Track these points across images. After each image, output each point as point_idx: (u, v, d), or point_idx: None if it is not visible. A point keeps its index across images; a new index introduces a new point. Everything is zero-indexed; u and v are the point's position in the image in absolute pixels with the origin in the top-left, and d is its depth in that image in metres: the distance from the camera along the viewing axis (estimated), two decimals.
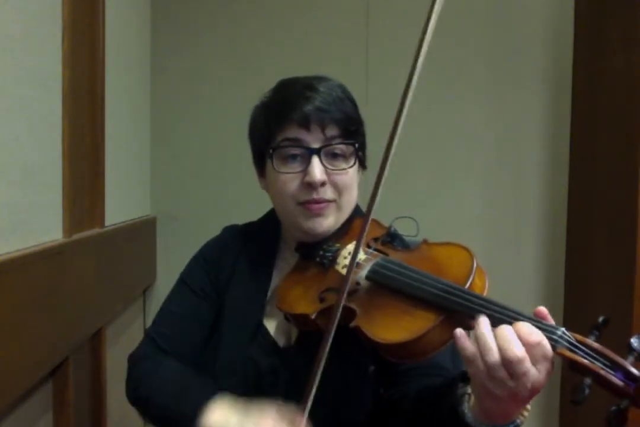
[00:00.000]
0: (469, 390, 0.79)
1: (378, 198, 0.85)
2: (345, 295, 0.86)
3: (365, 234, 0.88)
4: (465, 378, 0.80)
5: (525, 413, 0.78)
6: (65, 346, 1.30)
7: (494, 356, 0.71)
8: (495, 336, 0.72)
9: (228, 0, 2.20)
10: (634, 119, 1.79)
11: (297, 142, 0.98)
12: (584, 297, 2.11)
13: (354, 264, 0.88)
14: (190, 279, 1.12)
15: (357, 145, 1.01)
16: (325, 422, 0.95)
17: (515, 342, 0.70)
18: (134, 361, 1.09)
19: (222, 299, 1.08)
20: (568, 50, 2.19)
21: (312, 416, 0.95)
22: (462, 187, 2.21)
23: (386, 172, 0.85)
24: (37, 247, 1.13)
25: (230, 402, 0.92)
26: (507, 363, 0.70)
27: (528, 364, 0.70)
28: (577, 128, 2.19)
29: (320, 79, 1.03)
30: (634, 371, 0.66)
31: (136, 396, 1.04)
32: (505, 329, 0.72)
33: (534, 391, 0.71)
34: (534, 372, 0.70)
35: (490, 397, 0.73)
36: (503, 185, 2.23)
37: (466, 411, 0.78)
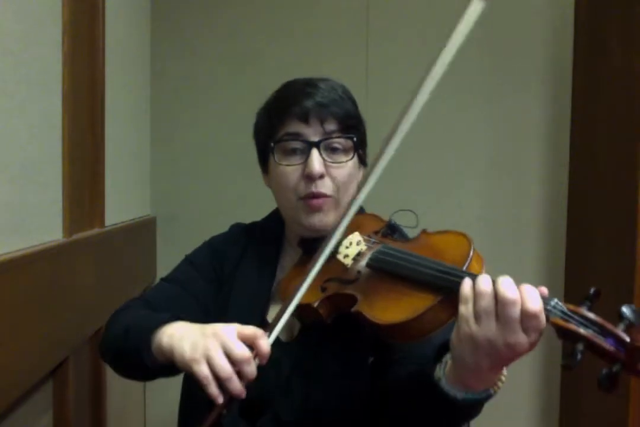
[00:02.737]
0: (447, 357, 0.81)
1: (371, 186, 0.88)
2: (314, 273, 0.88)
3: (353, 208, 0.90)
4: (445, 347, 0.82)
5: (500, 384, 0.80)
6: (65, 346, 1.30)
7: (489, 293, 0.74)
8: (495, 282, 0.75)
9: (227, 2, 2.19)
10: (633, 119, 1.79)
11: (297, 136, 1.01)
12: (584, 297, 2.10)
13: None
14: (194, 259, 1.15)
15: (355, 139, 1.03)
16: (323, 410, 0.97)
17: (513, 287, 0.73)
18: (115, 312, 1.09)
19: (224, 293, 1.09)
20: (568, 50, 2.19)
21: (309, 404, 0.97)
22: (462, 187, 2.21)
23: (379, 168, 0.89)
24: (37, 247, 1.13)
25: (187, 323, 0.90)
26: (500, 300, 0.72)
27: (519, 307, 0.72)
28: (577, 128, 2.18)
29: (323, 79, 1.07)
30: (624, 336, 0.69)
31: (105, 334, 1.05)
32: (505, 278, 0.75)
33: (513, 354, 0.74)
34: (521, 335, 0.72)
35: (470, 354, 0.75)
36: (503, 185, 2.23)
37: (441, 376, 0.80)
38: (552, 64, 2.20)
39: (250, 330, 0.81)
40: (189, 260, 1.15)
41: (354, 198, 0.89)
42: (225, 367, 0.77)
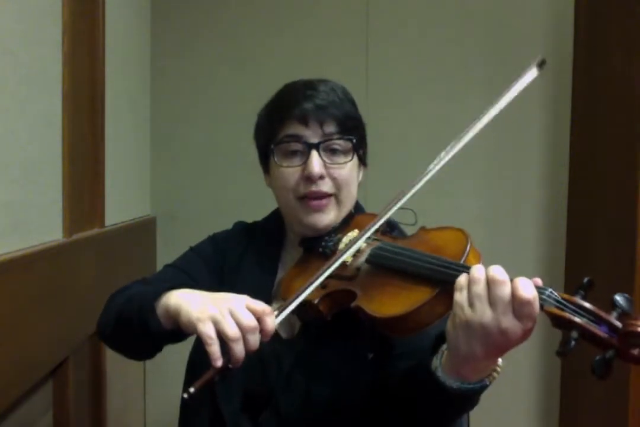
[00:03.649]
0: (444, 348, 0.82)
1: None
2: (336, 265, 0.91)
3: (376, 225, 0.94)
4: (441, 338, 0.83)
5: (495, 375, 0.81)
6: (65, 346, 1.30)
7: (482, 279, 0.76)
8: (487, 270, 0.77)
9: (228, 2, 2.19)
10: (633, 119, 1.79)
11: (296, 138, 1.02)
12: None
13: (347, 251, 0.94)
14: (198, 249, 1.16)
15: (354, 141, 1.04)
16: (324, 406, 0.98)
17: (503, 271, 0.76)
18: (115, 291, 1.09)
19: (225, 290, 1.10)
20: (568, 50, 2.19)
21: (310, 400, 0.98)
22: (462, 187, 2.21)
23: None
24: (37, 247, 1.13)
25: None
26: (491, 282, 0.75)
27: (508, 289, 0.74)
28: (577, 128, 2.18)
29: (322, 80, 1.07)
30: (617, 323, 0.70)
31: (105, 309, 1.05)
32: (496, 265, 0.77)
33: (507, 342, 0.74)
34: (515, 322, 0.73)
35: (464, 342, 0.76)
36: (503, 185, 2.23)
37: (438, 365, 0.81)
38: (552, 64, 2.20)
39: (260, 305, 0.82)
40: (193, 250, 1.16)
41: (379, 217, 0.93)
42: (233, 328, 0.78)
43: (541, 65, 1.01)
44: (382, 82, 2.19)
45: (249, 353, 0.79)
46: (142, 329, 0.89)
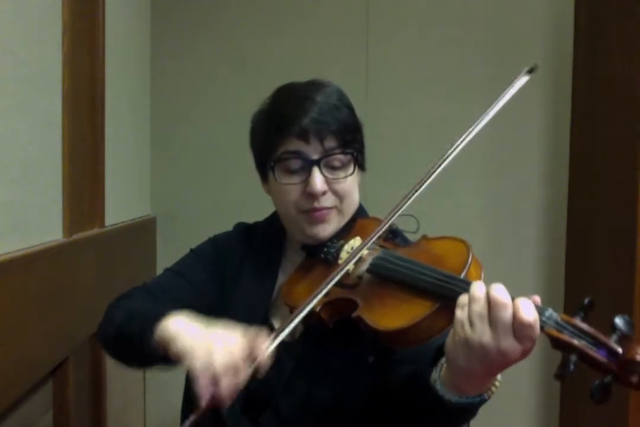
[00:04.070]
0: (443, 360, 0.82)
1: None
2: (337, 278, 0.91)
3: (376, 235, 0.94)
4: (441, 350, 0.82)
5: (494, 389, 0.81)
6: (65, 346, 1.30)
7: (482, 298, 0.75)
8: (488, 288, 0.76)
9: (228, 2, 2.19)
10: (633, 119, 1.79)
11: (297, 155, 1.00)
12: (584, 297, 2.10)
13: (354, 258, 0.93)
14: (199, 252, 1.15)
15: (355, 154, 1.03)
16: (324, 408, 0.98)
17: (505, 292, 0.75)
18: (117, 298, 1.08)
19: (227, 294, 1.09)
20: (568, 51, 2.19)
21: (311, 402, 0.98)
22: (462, 188, 2.21)
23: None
24: (37, 247, 1.14)
25: (194, 316, 0.91)
26: (492, 303, 0.74)
27: (510, 311, 0.73)
28: (577, 128, 2.18)
29: (317, 86, 1.05)
30: (616, 347, 0.69)
31: (106, 317, 1.04)
32: (498, 285, 0.76)
33: (506, 361, 0.74)
34: (514, 343, 0.73)
35: (463, 359, 0.75)
36: (503, 185, 2.23)
37: (437, 378, 0.81)
38: (552, 64, 2.20)
39: (252, 339, 0.83)
40: (194, 253, 1.16)
41: (380, 228, 0.94)
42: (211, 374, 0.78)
43: (531, 71, 1.03)
44: (382, 82, 2.19)
45: (224, 398, 0.79)
46: (142, 350, 0.90)
